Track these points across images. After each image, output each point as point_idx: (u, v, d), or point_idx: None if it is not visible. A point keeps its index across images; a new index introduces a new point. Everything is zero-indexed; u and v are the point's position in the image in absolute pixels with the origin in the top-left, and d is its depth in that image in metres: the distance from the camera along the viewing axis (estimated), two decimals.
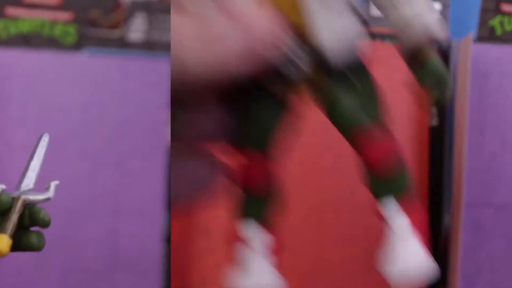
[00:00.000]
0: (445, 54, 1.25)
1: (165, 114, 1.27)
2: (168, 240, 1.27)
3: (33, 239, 0.48)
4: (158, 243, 1.27)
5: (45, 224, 0.48)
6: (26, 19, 1.22)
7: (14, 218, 0.47)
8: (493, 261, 1.21)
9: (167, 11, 1.28)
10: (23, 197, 0.48)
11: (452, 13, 1.32)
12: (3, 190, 0.49)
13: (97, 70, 1.25)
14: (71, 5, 1.23)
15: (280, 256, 0.68)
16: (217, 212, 0.94)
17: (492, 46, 1.24)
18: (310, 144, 1.14)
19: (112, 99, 1.27)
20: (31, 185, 0.51)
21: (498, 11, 1.25)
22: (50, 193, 0.50)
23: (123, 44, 1.28)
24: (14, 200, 0.48)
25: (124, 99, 1.27)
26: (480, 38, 1.25)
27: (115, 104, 1.27)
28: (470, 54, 1.18)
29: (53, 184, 0.50)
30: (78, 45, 1.26)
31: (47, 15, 1.23)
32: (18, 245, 0.47)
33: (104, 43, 1.27)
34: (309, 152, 1.18)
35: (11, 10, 1.21)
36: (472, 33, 1.21)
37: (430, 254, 0.62)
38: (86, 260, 1.24)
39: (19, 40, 1.23)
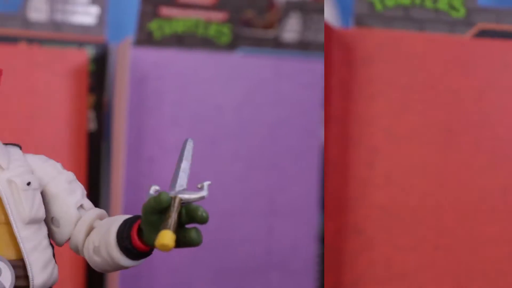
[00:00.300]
0: (103, 57, 1.19)
1: (320, 115, 1.23)
2: (321, 239, 1.24)
3: (193, 234, 0.50)
4: (311, 242, 1.24)
5: (204, 220, 0.50)
6: (180, 19, 1.21)
7: (174, 215, 0.50)
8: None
9: (321, 11, 1.25)
10: (179, 196, 0.51)
11: (110, 16, 1.28)
12: (157, 191, 0.52)
13: (251, 70, 1.22)
14: (226, 5, 1.22)
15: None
16: (370, 211, 1.01)
17: (150, 50, 1.19)
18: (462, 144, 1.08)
19: (266, 99, 1.23)
20: (184, 185, 0.52)
21: (156, 15, 1.20)
22: (204, 192, 0.51)
23: (277, 44, 1.25)
24: (172, 199, 0.50)
25: (278, 99, 1.23)
26: (139, 42, 1.19)
27: (269, 104, 1.23)
28: (128, 57, 1.11)
29: (206, 184, 0.52)
30: (232, 45, 1.24)
31: (201, 15, 1.22)
32: (178, 241, 0.50)
33: (258, 43, 1.25)
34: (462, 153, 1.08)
35: (165, 10, 1.20)
36: (131, 37, 1.16)
37: None
38: (240, 260, 1.20)
39: (173, 40, 1.22)
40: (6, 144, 0.63)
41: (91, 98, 1.18)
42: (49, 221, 0.61)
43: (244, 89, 1.22)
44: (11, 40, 1.14)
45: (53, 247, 0.60)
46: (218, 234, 1.18)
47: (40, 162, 0.62)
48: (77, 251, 0.61)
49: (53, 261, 0.59)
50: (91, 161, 1.18)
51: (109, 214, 0.64)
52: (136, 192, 1.16)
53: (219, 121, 1.20)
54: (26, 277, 0.56)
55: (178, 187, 0.52)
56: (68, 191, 0.60)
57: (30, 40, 1.16)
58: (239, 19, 1.23)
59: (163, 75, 1.19)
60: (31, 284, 0.55)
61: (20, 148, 0.64)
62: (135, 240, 0.53)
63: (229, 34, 1.23)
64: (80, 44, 1.17)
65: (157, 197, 0.50)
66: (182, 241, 0.51)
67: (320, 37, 1.25)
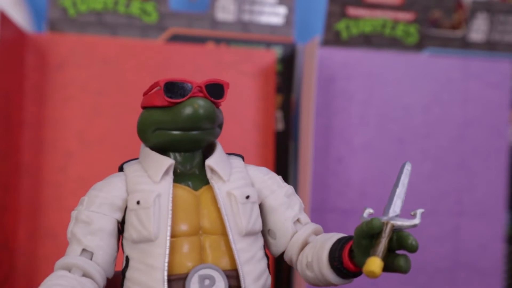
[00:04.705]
0: (290, 57, 1.18)
1: (507, 115, 1.21)
2: (509, 240, 1.24)
3: (402, 262, 0.50)
4: (499, 243, 1.22)
5: (413, 249, 0.49)
6: (368, 19, 1.21)
7: (384, 242, 0.50)
8: None
9: (508, 11, 1.23)
10: (392, 222, 0.50)
11: (298, 17, 1.30)
12: (371, 214, 0.53)
13: (438, 70, 1.21)
14: (413, 5, 1.21)
15: None
16: None
17: (337, 50, 1.18)
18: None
19: (454, 99, 1.21)
20: (397, 212, 0.52)
21: (343, 15, 1.19)
22: (417, 220, 0.50)
23: (464, 44, 1.24)
24: (384, 224, 0.50)
25: (466, 99, 1.22)
26: (327, 42, 1.19)
27: (457, 104, 1.21)
28: (316, 57, 1.09)
29: (419, 212, 0.51)
30: (419, 45, 1.23)
31: (389, 15, 1.21)
32: (386, 266, 0.50)
33: (445, 43, 1.23)
34: None
35: (353, 10, 1.20)
36: (318, 37, 1.12)
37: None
38: (428, 259, 1.20)
39: (360, 40, 1.22)
40: (229, 154, 0.64)
41: (279, 98, 1.18)
42: (266, 232, 0.61)
43: (432, 89, 1.21)
44: (199, 40, 1.16)
45: (267, 258, 0.60)
46: None
47: (261, 175, 0.62)
48: (290, 263, 0.61)
49: (267, 272, 0.59)
50: (279, 160, 1.18)
51: None
52: (324, 191, 1.16)
53: (406, 121, 1.20)
54: (239, 287, 0.55)
55: (392, 213, 0.52)
56: (286, 205, 0.61)
57: (218, 40, 1.17)
58: (426, 19, 1.22)
59: (351, 75, 1.18)
60: None
61: (243, 158, 0.64)
62: (346, 261, 0.53)
63: (416, 34, 1.22)
64: (268, 44, 1.18)
65: (369, 222, 0.50)
66: (390, 267, 0.50)
67: (508, 38, 1.24)
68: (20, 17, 1.16)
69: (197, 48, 1.14)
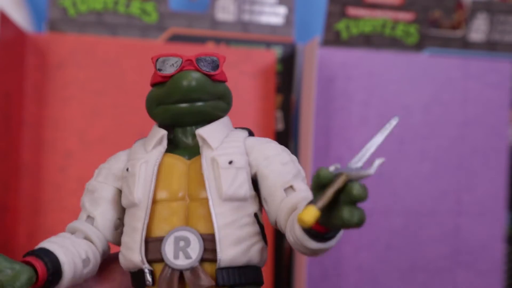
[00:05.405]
0: (290, 57, 1.18)
1: (507, 115, 1.21)
2: (509, 240, 1.24)
3: (345, 213, 0.45)
4: (499, 243, 1.22)
5: (358, 198, 0.45)
6: (368, 19, 1.21)
7: (329, 192, 0.45)
8: (340, 266, 1.15)
9: (508, 11, 1.23)
10: (344, 172, 0.46)
11: (298, 17, 1.30)
12: (336, 168, 0.48)
13: (438, 70, 1.21)
14: (413, 5, 1.21)
15: None
16: None
17: (337, 50, 1.17)
18: None
19: (454, 99, 1.21)
20: (360, 163, 0.48)
21: (343, 15, 1.19)
22: (371, 170, 0.47)
23: (464, 44, 1.24)
24: (336, 176, 0.46)
25: (466, 99, 1.22)
26: (326, 42, 1.19)
27: (457, 104, 1.22)
28: (316, 57, 1.09)
29: (377, 162, 0.47)
30: (419, 45, 1.23)
31: (389, 15, 1.21)
32: (333, 221, 0.46)
33: (445, 43, 1.24)
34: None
35: (353, 10, 1.21)
36: (318, 37, 1.12)
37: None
38: (428, 259, 1.20)
39: (360, 40, 1.22)
40: (237, 128, 0.65)
41: (279, 98, 1.18)
42: (262, 200, 0.61)
43: (432, 89, 1.21)
44: (199, 40, 1.16)
45: (261, 227, 0.59)
46: (406, 234, 1.18)
47: (258, 143, 0.62)
48: (281, 230, 0.59)
49: (254, 239, 0.58)
50: None
51: None
52: None
53: (407, 121, 1.20)
54: (214, 251, 0.56)
55: (352, 164, 0.48)
56: (278, 171, 0.59)
57: (218, 40, 1.17)
58: (426, 19, 1.22)
59: (351, 75, 1.19)
60: (218, 257, 0.55)
61: (249, 132, 0.65)
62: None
63: (416, 34, 1.22)
64: (268, 44, 1.18)
65: (316, 172, 0.47)
66: (335, 221, 0.46)
67: (507, 38, 1.24)
68: (20, 17, 1.16)
69: (197, 48, 1.14)
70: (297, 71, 1.20)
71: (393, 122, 0.53)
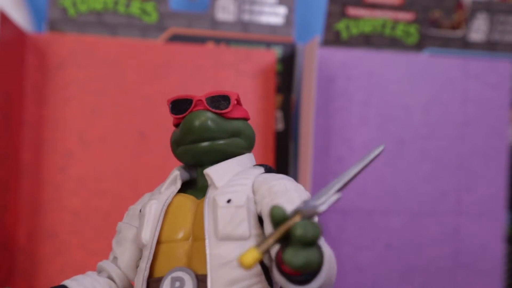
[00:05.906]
0: (290, 57, 1.18)
1: (507, 115, 1.21)
2: (509, 240, 1.24)
3: (287, 255, 0.42)
4: (499, 243, 1.22)
5: (300, 239, 0.42)
6: (368, 19, 1.21)
7: (277, 232, 0.43)
8: (340, 266, 1.16)
9: (508, 11, 1.23)
10: (300, 210, 0.44)
11: (298, 17, 1.30)
12: (305, 202, 0.46)
13: (438, 70, 1.20)
14: (413, 5, 1.21)
15: None
16: None
17: (337, 50, 1.17)
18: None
19: (454, 99, 1.21)
20: (322, 199, 0.46)
21: (343, 15, 1.19)
22: (323, 207, 0.44)
23: (464, 44, 1.24)
24: (291, 214, 0.44)
25: (466, 99, 1.21)
26: (326, 42, 1.19)
27: (457, 104, 1.21)
28: (316, 57, 1.09)
29: (332, 198, 0.45)
30: (419, 45, 1.23)
31: (389, 15, 1.21)
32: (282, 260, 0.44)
33: (445, 43, 1.23)
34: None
35: (353, 10, 1.20)
36: (318, 37, 1.12)
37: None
38: (427, 259, 1.19)
39: (360, 40, 1.22)
40: (257, 165, 0.64)
41: (279, 98, 1.18)
42: None
43: (432, 89, 1.20)
44: (199, 40, 1.16)
45: (264, 268, 0.58)
46: (406, 234, 1.18)
47: (268, 180, 0.60)
48: None
49: (254, 280, 0.57)
50: (279, 160, 1.18)
51: None
52: None
53: (406, 121, 1.20)
54: None
55: (314, 199, 0.46)
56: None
57: (218, 40, 1.17)
58: (426, 19, 1.22)
59: (351, 75, 1.18)
60: None
61: (266, 168, 0.63)
62: (279, 260, 0.48)
63: (416, 34, 1.22)
64: (268, 44, 1.18)
65: (270, 211, 0.45)
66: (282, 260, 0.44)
67: (507, 38, 1.24)
68: (20, 17, 1.16)
69: (197, 48, 1.13)
70: (297, 71, 1.20)
71: (377, 150, 0.52)
